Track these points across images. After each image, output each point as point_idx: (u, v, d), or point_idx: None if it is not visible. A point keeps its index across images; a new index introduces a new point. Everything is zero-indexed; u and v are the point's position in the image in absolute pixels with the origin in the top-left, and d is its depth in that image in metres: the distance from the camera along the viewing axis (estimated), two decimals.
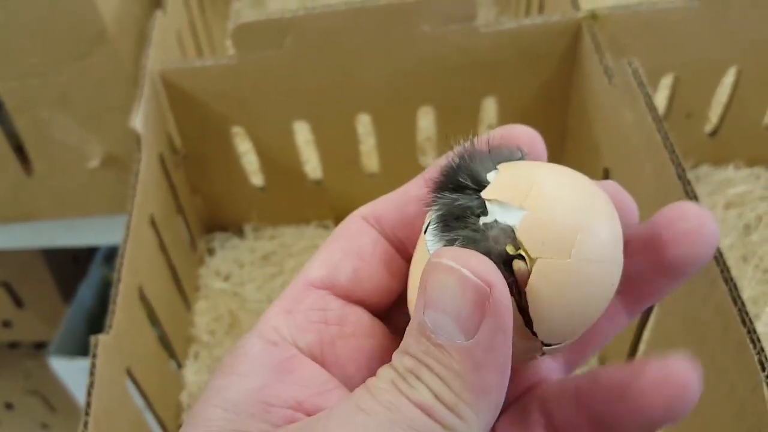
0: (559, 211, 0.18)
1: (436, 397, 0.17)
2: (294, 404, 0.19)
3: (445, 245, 0.19)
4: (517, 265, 0.18)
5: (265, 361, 0.20)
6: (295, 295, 0.21)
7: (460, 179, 0.19)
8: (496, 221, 0.18)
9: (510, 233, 0.18)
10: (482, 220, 0.19)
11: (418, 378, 0.17)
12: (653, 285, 0.20)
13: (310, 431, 0.17)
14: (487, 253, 0.18)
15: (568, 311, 0.18)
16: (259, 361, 0.20)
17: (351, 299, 0.21)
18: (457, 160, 0.20)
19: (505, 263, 0.18)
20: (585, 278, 0.18)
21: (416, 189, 0.22)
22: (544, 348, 0.18)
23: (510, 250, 0.18)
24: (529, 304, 0.18)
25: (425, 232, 0.20)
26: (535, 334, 0.18)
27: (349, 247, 0.22)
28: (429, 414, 0.17)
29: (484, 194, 0.19)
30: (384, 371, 0.17)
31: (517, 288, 0.18)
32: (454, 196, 0.19)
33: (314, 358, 0.20)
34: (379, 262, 0.22)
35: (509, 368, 0.17)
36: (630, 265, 0.19)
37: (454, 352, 0.17)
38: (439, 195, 0.20)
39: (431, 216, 0.20)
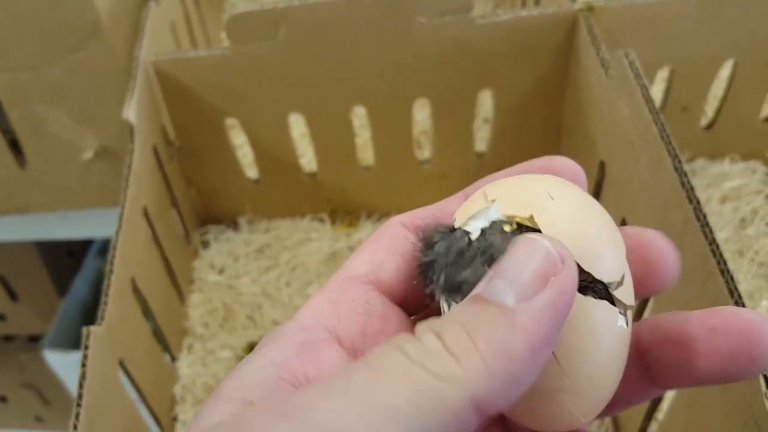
0: (520, 180, 0.20)
1: (444, 345, 0.15)
2: (303, 380, 0.19)
3: (461, 294, 0.18)
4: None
5: (292, 340, 0.20)
6: (340, 287, 0.21)
7: (435, 240, 0.20)
8: (482, 231, 0.19)
9: (499, 224, 0.18)
10: (474, 243, 0.19)
11: (436, 333, 0.16)
12: (684, 378, 0.19)
13: (292, 399, 0.16)
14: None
15: (587, 232, 0.18)
16: (287, 340, 0.20)
17: (393, 298, 0.21)
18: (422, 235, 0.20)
19: None
20: (580, 212, 0.18)
21: (455, 204, 0.22)
22: (608, 285, 0.18)
23: (508, 228, 0.18)
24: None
25: (444, 303, 0.20)
26: (593, 282, 0.18)
27: (392, 247, 0.22)
28: (422, 364, 0.15)
29: (456, 224, 0.20)
30: (393, 339, 0.16)
31: None
32: (436, 251, 0.19)
33: (354, 349, 0.20)
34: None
35: (546, 355, 0.16)
36: (660, 353, 0.19)
37: (494, 308, 0.16)
38: (428, 266, 0.20)
39: (436, 289, 0.20)
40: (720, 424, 0.32)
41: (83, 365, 0.34)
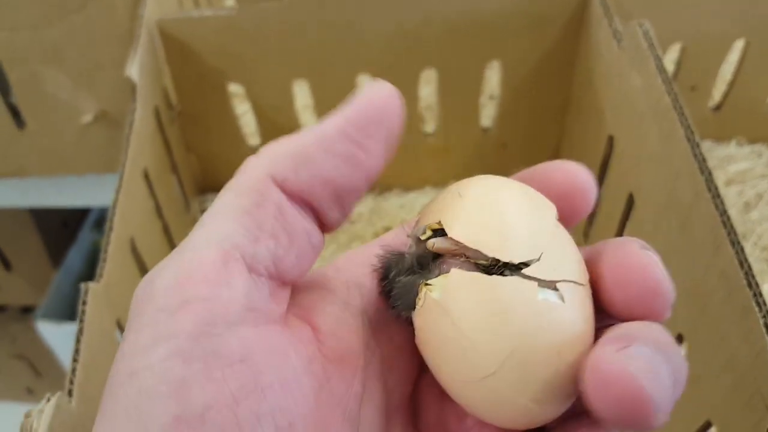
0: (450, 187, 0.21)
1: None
2: None
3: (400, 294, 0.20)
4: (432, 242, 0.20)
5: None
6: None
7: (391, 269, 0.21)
8: (410, 247, 0.21)
9: (420, 235, 0.20)
10: (407, 259, 0.21)
11: None
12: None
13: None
14: (419, 257, 0.20)
15: (493, 220, 0.19)
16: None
17: None
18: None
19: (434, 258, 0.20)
20: (485, 203, 0.20)
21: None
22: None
23: (423, 236, 0.20)
24: (461, 238, 0.19)
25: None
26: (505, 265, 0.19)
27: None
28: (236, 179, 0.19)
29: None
30: None
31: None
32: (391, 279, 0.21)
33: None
34: None
35: (347, 147, 0.19)
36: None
37: None
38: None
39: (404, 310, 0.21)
40: (724, 397, 0.32)
41: (81, 321, 0.34)
